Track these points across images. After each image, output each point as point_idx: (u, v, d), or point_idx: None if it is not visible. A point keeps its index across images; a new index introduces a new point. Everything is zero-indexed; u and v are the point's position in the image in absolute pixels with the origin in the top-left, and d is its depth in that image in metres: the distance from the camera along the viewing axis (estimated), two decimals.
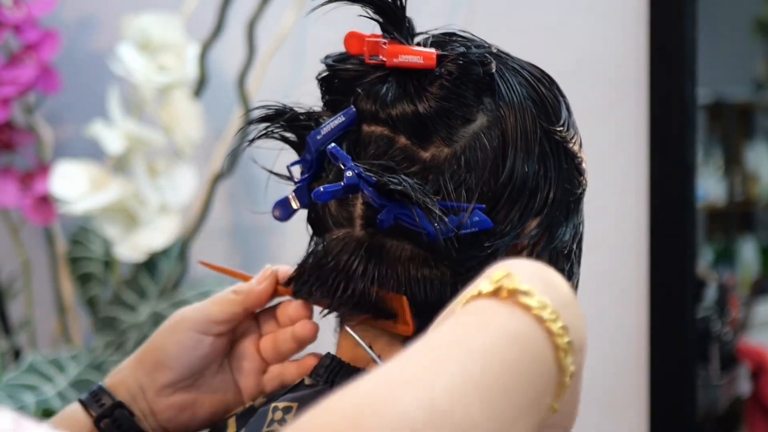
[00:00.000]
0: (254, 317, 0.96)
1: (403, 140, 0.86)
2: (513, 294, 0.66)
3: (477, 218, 0.84)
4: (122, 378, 0.95)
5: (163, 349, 0.93)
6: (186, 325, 0.93)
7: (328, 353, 0.92)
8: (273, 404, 0.89)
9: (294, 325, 0.94)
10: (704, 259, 3.48)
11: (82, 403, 0.94)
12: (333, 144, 0.86)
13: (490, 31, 0.92)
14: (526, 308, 0.65)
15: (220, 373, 0.96)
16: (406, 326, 0.86)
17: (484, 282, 0.67)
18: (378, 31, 0.89)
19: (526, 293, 0.66)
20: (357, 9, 0.89)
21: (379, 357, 0.88)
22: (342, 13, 0.90)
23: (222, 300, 0.94)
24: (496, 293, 0.66)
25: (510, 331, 0.64)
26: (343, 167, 0.84)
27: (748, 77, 3.80)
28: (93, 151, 1.91)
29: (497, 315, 0.65)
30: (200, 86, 1.92)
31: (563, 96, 0.91)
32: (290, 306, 0.94)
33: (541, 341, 0.65)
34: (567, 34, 1.78)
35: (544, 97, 0.89)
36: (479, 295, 0.67)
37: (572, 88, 0.93)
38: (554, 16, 1.80)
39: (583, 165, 0.91)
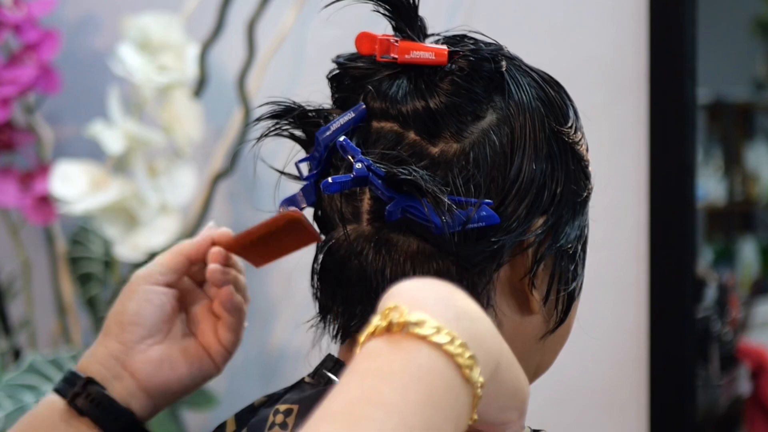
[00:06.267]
0: (200, 287, 1.00)
1: (412, 136, 0.87)
2: (404, 327, 0.66)
3: (484, 213, 0.84)
4: (92, 354, 0.96)
5: (123, 310, 0.96)
6: (137, 281, 0.97)
7: (330, 354, 0.92)
8: (275, 407, 0.89)
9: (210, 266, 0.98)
10: (704, 259, 3.48)
11: (56, 390, 0.95)
12: (343, 137, 0.86)
13: (490, 31, 0.92)
14: (421, 338, 0.66)
15: (185, 337, 0.99)
16: None
17: (376, 317, 0.68)
18: (380, 32, 0.89)
19: (417, 324, 0.66)
20: (357, 10, 0.89)
21: None
22: (342, 14, 0.90)
23: (166, 253, 0.99)
24: (389, 329, 0.67)
25: (413, 371, 0.65)
26: (352, 159, 0.84)
27: (748, 77, 3.81)
28: (93, 151, 1.91)
29: (395, 359, 0.65)
30: (200, 86, 1.92)
31: (571, 101, 0.92)
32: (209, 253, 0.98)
33: (444, 367, 0.66)
34: (567, 34, 1.78)
35: (553, 99, 0.90)
36: (375, 332, 0.67)
37: (572, 88, 0.94)
38: (554, 17, 1.80)
39: (590, 169, 0.92)
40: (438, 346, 0.66)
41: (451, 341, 0.66)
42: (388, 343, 0.66)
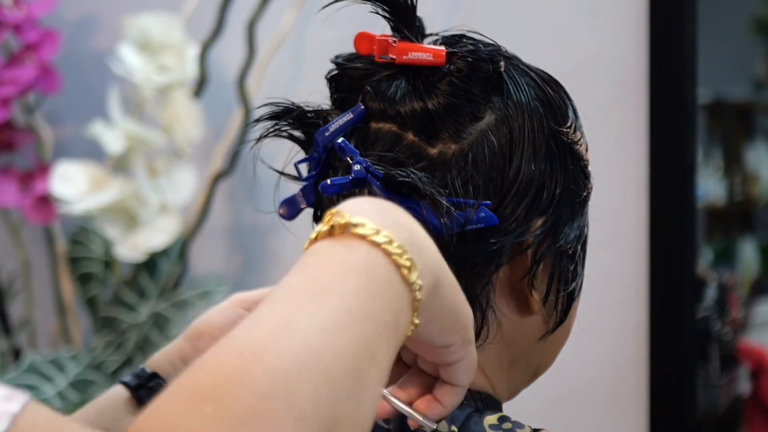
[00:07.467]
0: None
1: (410, 137, 0.87)
2: (345, 228, 0.68)
3: (483, 214, 0.84)
4: (165, 352, 0.99)
5: (208, 320, 0.98)
6: (233, 301, 0.98)
7: None
8: None
9: None
10: (704, 259, 3.49)
11: (123, 382, 0.98)
12: (341, 138, 0.86)
13: (490, 31, 0.92)
14: (361, 237, 0.68)
15: None
16: None
17: (319, 225, 0.70)
18: (380, 32, 0.89)
19: (356, 225, 0.68)
20: (357, 10, 0.89)
21: None
22: (342, 14, 0.90)
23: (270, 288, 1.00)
24: (331, 232, 0.68)
25: (352, 262, 0.67)
26: (350, 161, 0.84)
27: (748, 77, 3.81)
28: (93, 151, 1.91)
29: (335, 252, 0.68)
30: (200, 86, 1.92)
31: (570, 100, 0.91)
32: None
33: (383, 265, 0.68)
34: (567, 34, 1.78)
35: (551, 99, 0.89)
36: (318, 237, 0.69)
37: (572, 88, 0.94)
38: (554, 17, 1.80)
39: (589, 168, 0.92)
40: (377, 245, 0.68)
41: (390, 242, 0.68)
42: (328, 243, 0.68)
